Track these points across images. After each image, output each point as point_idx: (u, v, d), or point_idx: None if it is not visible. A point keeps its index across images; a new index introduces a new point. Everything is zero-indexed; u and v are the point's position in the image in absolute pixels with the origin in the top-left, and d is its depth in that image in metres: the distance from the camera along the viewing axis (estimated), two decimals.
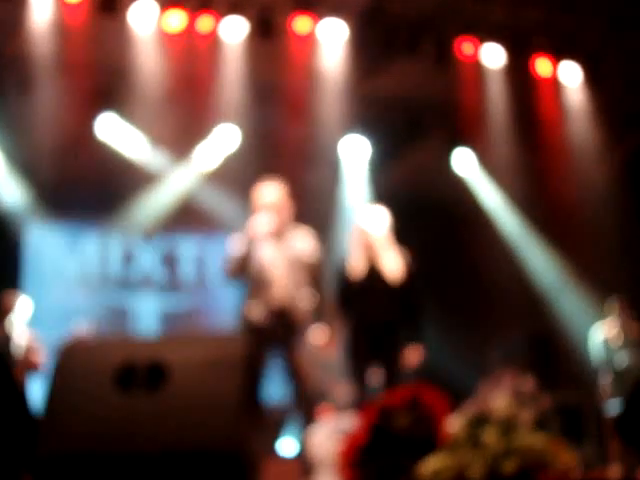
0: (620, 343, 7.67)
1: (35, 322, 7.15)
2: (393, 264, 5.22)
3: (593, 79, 8.68)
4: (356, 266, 5.26)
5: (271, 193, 5.08)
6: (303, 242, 5.11)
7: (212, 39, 7.89)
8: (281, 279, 4.94)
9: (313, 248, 5.12)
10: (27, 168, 8.83)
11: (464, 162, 9.71)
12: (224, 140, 9.05)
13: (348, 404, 5.34)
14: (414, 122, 9.55)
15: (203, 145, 9.14)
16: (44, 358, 6.83)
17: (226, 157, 9.14)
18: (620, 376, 7.49)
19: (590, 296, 8.27)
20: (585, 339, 7.90)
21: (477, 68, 8.48)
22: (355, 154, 9.60)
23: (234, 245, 5.05)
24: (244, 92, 8.28)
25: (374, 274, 5.20)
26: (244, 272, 4.96)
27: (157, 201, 9.38)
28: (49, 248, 9.72)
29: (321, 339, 5.11)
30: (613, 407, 7.33)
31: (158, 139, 8.98)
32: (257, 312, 4.93)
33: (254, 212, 5.06)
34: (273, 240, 4.98)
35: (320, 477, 3.07)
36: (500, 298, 8.92)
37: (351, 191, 9.69)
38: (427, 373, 5.26)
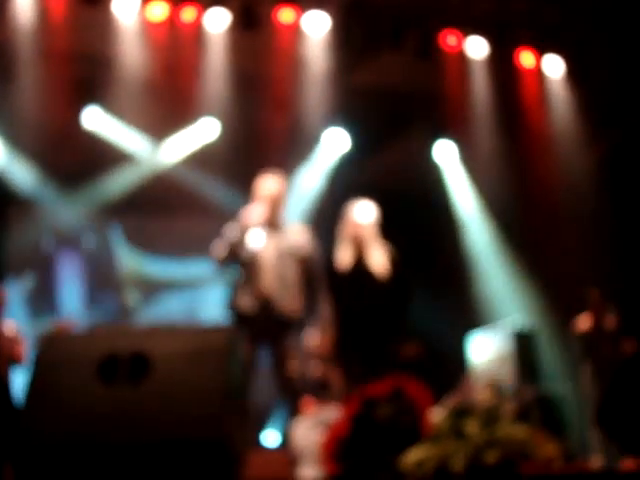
0: (597, 335, 7.75)
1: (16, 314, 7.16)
2: (380, 257, 5.25)
3: (576, 72, 8.74)
4: (344, 258, 5.27)
5: (271, 185, 5.12)
6: (298, 236, 5.13)
7: (195, 29, 7.88)
8: (271, 269, 4.94)
9: (308, 243, 5.14)
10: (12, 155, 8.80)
11: (445, 153, 9.77)
12: (205, 131, 9.06)
13: (336, 395, 5.35)
14: (398, 114, 9.57)
15: (183, 133, 9.16)
16: (26, 350, 6.83)
17: (207, 145, 9.13)
18: (599, 368, 7.56)
19: (568, 289, 8.32)
20: (564, 332, 7.98)
21: (461, 60, 8.52)
22: (336, 146, 9.60)
23: (227, 232, 5.06)
24: (227, 82, 8.27)
25: (361, 266, 5.23)
26: (234, 260, 4.96)
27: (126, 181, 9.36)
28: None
29: (315, 339, 5.15)
30: (593, 399, 7.41)
31: (141, 128, 8.99)
32: (245, 301, 4.94)
33: (253, 202, 5.09)
34: (266, 231, 5.00)
35: (304, 469, 3.07)
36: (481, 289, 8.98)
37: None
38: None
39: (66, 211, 9.38)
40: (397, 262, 5.31)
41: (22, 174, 8.84)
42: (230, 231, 5.05)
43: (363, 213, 5.32)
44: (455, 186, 9.79)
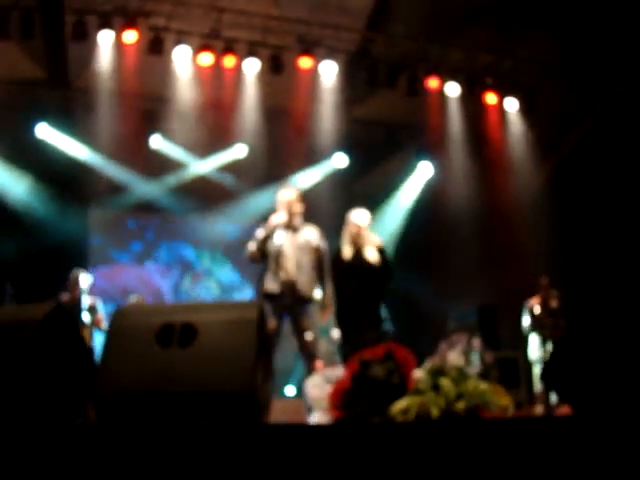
0: (545, 312, 7.72)
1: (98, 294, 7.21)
2: (372, 250, 5.32)
3: (528, 110, 8.73)
4: (346, 252, 5.34)
5: (287, 194, 5.20)
6: (311, 234, 5.19)
7: (235, 73, 7.91)
8: (292, 259, 5.01)
9: (319, 239, 5.21)
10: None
11: (425, 172, 9.86)
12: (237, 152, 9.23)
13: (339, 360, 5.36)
14: (391, 139, 9.57)
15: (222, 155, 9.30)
16: (104, 320, 6.88)
17: (239, 161, 9.24)
18: (545, 337, 7.53)
19: (523, 276, 8.30)
20: (520, 309, 7.96)
21: (441, 98, 8.50)
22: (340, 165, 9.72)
23: (257, 233, 5.12)
24: (258, 113, 8.33)
25: (359, 257, 5.30)
26: (263, 255, 5.01)
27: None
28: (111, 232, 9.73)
29: (320, 310, 5.17)
30: (539, 361, 7.38)
31: (190, 149, 9.07)
32: (272, 284, 4.98)
33: (276, 209, 5.17)
34: (287, 231, 5.09)
35: (315, 415, 3.07)
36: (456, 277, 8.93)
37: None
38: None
39: None
40: (383, 252, 5.39)
41: None
42: (259, 232, 5.10)
43: (361, 217, 5.41)
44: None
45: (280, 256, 5.00)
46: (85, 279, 7.03)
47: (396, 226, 9.77)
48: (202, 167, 9.46)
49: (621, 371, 2.31)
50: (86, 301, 6.97)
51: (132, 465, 1.63)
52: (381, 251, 5.36)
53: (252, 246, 5.07)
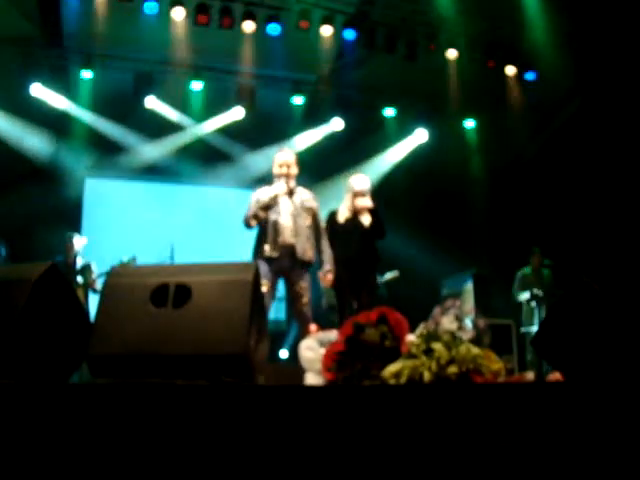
0: (536, 282, 7.76)
1: (92, 256, 7.19)
2: (367, 213, 5.37)
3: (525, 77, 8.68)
4: (342, 215, 5.39)
5: (286, 155, 5.17)
6: (304, 194, 5.18)
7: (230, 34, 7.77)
8: (289, 224, 4.99)
9: (312, 198, 5.21)
10: None
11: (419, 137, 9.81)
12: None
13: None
14: (389, 103, 9.52)
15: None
16: (97, 281, 6.90)
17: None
18: (536, 305, 7.58)
19: (516, 246, 8.39)
20: (512, 278, 8.01)
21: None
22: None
23: (254, 199, 5.07)
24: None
25: (355, 221, 5.33)
26: (261, 219, 4.98)
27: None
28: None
29: (323, 273, 5.18)
30: (530, 329, 7.44)
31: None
32: (270, 248, 4.95)
33: (275, 170, 5.14)
34: (285, 196, 5.07)
35: (309, 377, 3.09)
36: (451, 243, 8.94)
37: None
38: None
39: None
40: (376, 213, 5.44)
41: None
42: (258, 197, 5.06)
43: (360, 182, 5.46)
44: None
45: (278, 221, 4.98)
46: (79, 241, 7.07)
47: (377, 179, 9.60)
48: (200, 129, 9.33)
49: (612, 339, 2.32)
50: (80, 262, 7.01)
51: (125, 425, 1.64)
52: (373, 212, 5.37)
53: (251, 212, 5.03)
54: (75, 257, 6.96)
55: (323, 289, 7.16)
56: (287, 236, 4.95)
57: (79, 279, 6.89)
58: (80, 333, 2.29)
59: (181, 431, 1.65)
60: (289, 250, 4.93)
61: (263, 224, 4.99)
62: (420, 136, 9.78)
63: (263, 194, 5.05)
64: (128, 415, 1.65)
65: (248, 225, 5.03)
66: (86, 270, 6.99)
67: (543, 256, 7.94)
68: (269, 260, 4.91)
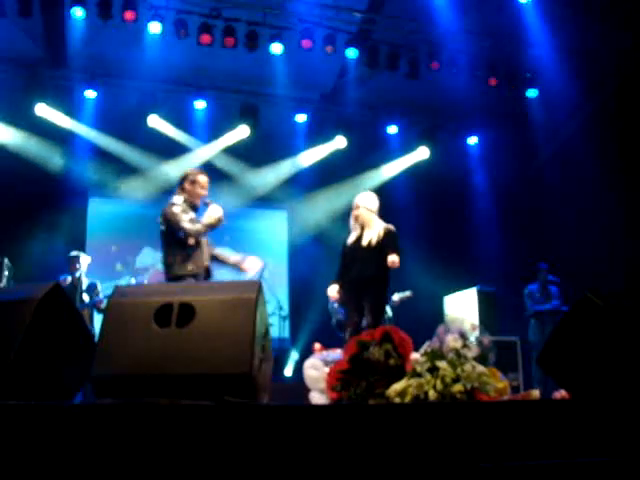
0: (543, 298, 7.73)
1: (95, 275, 7.20)
2: (374, 234, 5.25)
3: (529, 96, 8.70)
4: (351, 235, 5.35)
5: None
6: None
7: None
8: None
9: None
10: None
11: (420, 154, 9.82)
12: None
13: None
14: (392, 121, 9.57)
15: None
16: (102, 301, 6.87)
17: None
18: (542, 322, 7.55)
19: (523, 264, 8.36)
20: (520, 295, 7.97)
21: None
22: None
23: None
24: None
25: (361, 240, 5.26)
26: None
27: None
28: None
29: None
30: (536, 346, 7.40)
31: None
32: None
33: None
34: None
35: (314, 396, 3.07)
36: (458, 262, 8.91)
37: None
38: None
39: None
40: (389, 236, 5.25)
41: None
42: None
43: (367, 200, 5.39)
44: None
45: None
46: (85, 260, 7.03)
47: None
48: (206, 151, 9.33)
49: (619, 356, 2.31)
50: (85, 282, 6.98)
51: (129, 445, 1.64)
52: (388, 235, 5.28)
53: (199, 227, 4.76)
54: (80, 277, 6.92)
55: (331, 307, 7.17)
56: None
57: (85, 298, 6.88)
58: (84, 353, 2.28)
59: (185, 451, 1.64)
60: None
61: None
62: (422, 153, 9.78)
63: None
64: (132, 435, 1.65)
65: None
66: (92, 290, 6.97)
67: (549, 273, 7.91)
68: None
